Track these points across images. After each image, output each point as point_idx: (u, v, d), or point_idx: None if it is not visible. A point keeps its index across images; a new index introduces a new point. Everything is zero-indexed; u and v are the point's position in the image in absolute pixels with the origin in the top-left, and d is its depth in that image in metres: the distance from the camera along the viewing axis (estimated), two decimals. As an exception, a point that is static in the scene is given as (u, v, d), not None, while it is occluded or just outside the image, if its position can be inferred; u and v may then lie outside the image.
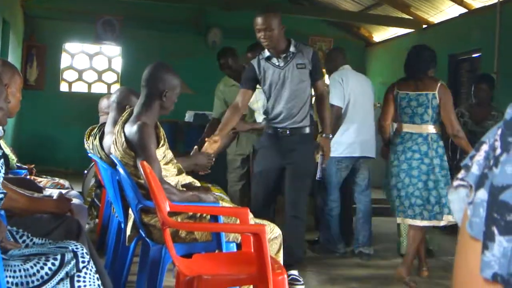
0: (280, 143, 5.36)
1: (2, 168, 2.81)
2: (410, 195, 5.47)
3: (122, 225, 4.45)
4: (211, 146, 4.96)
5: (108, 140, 4.62)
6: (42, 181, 5.64)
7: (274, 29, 5.15)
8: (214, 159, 4.93)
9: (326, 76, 7.37)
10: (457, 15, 11.08)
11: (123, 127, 3.86)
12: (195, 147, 5.09)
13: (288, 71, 5.28)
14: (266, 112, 5.51)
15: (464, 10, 10.86)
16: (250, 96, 5.50)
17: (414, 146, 5.52)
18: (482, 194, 0.85)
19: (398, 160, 5.59)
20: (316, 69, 5.38)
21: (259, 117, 6.40)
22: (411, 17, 12.19)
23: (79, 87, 13.73)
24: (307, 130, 5.37)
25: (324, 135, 5.51)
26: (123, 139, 3.78)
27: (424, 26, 12.26)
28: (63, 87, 13.56)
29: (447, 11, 11.41)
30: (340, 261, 6.31)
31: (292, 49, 5.30)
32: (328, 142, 5.53)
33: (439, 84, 5.59)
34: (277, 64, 5.31)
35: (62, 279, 2.74)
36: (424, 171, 5.44)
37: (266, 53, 5.35)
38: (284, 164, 5.36)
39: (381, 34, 14.25)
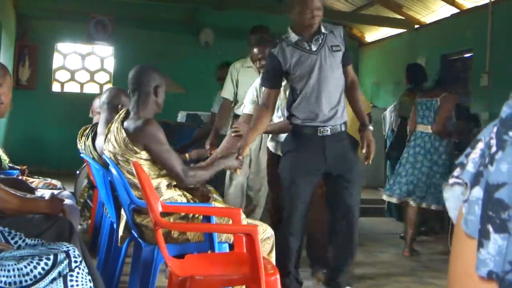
0: (323, 145, 4.56)
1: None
2: (408, 181, 6.76)
3: (115, 226, 4.45)
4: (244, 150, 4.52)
5: (100, 140, 4.61)
6: (34, 181, 5.63)
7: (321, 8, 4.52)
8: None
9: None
10: (449, 15, 11.10)
11: (122, 125, 3.86)
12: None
13: (323, 57, 4.51)
14: (295, 108, 4.62)
15: (456, 10, 10.88)
16: (276, 96, 4.75)
17: (421, 143, 6.77)
18: (478, 192, 0.84)
19: (408, 152, 6.91)
20: (347, 50, 4.70)
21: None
22: (403, 17, 12.21)
23: (71, 87, 13.71)
24: (344, 126, 4.67)
25: (366, 127, 4.73)
26: (125, 135, 3.78)
27: (416, 26, 12.27)
28: (55, 87, 13.53)
29: (439, 11, 11.43)
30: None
31: (323, 29, 4.56)
32: (371, 135, 4.76)
33: (444, 94, 6.70)
34: (308, 48, 4.53)
35: (54, 279, 2.74)
36: (426, 164, 6.70)
37: (293, 36, 4.59)
38: (329, 169, 4.64)
39: (373, 34, 14.26)
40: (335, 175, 4.66)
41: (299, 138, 4.64)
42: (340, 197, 4.66)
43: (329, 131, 4.54)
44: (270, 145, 5.53)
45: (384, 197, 7.14)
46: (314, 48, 4.51)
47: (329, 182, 4.77)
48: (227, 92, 6.39)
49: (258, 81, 5.33)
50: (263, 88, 4.81)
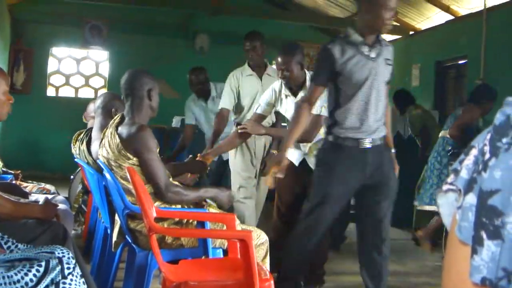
0: (364, 161, 4.27)
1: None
2: (427, 185, 7.07)
3: (109, 231, 4.44)
4: (278, 169, 4.36)
5: (95, 145, 4.60)
6: (28, 186, 5.62)
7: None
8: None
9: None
10: (444, 22, 11.13)
11: (116, 130, 3.86)
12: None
13: (378, 66, 4.25)
14: (340, 115, 4.27)
15: (450, 17, 10.91)
16: (320, 95, 4.39)
17: (436, 147, 7.10)
18: (471, 199, 0.85)
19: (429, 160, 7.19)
20: (393, 71, 4.50)
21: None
22: (398, 24, 12.22)
23: (66, 92, 13.70)
24: (384, 139, 4.39)
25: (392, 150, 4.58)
26: (118, 140, 3.77)
27: (411, 32, 12.30)
28: (50, 92, 13.52)
29: (433, 18, 11.46)
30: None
31: (381, 39, 4.34)
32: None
33: (469, 104, 6.85)
34: (366, 53, 4.21)
35: (47, 286, 2.72)
36: (436, 167, 6.98)
37: (356, 37, 4.24)
38: (370, 182, 4.34)
39: (369, 40, 14.28)
40: (368, 187, 4.35)
41: (339, 151, 4.27)
42: (371, 211, 4.42)
43: (370, 144, 4.25)
44: (290, 153, 5.05)
45: (422, 208, 7.31)
46: (373, 55, 4.22)
47: (360, 195, 4.48)
48: (226, 102, 6.19)
49: (277, 84, 5.30)
50: (311, 84, 4.37)
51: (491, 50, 9.59)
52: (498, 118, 0.86)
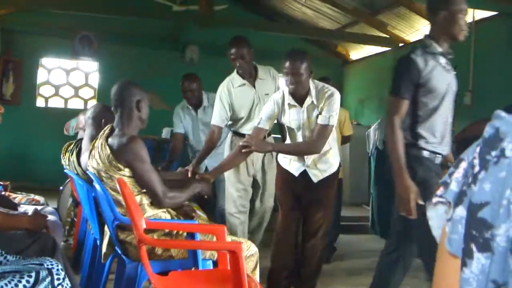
0: (437, 174, 4.06)
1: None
2: None
3: (98, 242, 4.42)
4: None
5: (85, 156, 4.60)
6: (17, 197, 5.60)
7: None
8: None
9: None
10: (433, 34, 11.16)
11: (106, 141, 3.85)
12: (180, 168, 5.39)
13: (453, 77, 4.22)
14: (423, 127, 4.07)
15: (439, 29, 10.95)
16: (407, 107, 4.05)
17: None
18: (461, 211, 0.85)
19: None
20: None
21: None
22: (387, 36, 12.26)
23: (56, 103, 13.64)
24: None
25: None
26: (109, 151, 3.77)
27: (401, 44, 12.33)
28: (40, 103, 13.47)
29: (422, 30, 11.49)
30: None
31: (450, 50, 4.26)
32: None
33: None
34: (443, 64, 4.14)
35: (37, 297, 2.72)
36: None
37: (435, 46, 4.10)
38: None
39: (358, 52, 14.32)
40: None
41: (425, 165, 4.05)
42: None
43: (440, 160, 4.11)
44: (292, 164, 5.26)
45: None
46: (448, 66, 4.14)
47: None
48: (217, 119, 5.82)
49: (278, 95, 5.14)
50: (394, 97, 4.08)
51: (479, 62, 9.63)
52: (487, 131, 0.86)
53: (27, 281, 2.70)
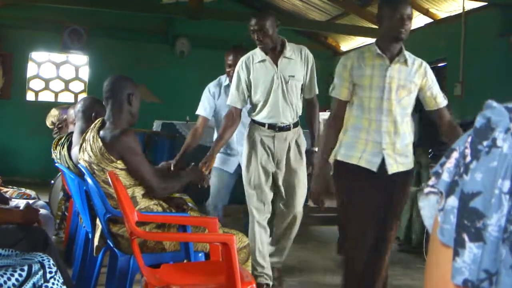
0: None
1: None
2: None
3: (90, 235, 4.42)
4: None
5: (76, 150, 4.59)
6: (9, 191, 5.59)
7: None
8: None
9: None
10: (423, 25, 11.19)
11: (98, 134, 3.85)
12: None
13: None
14: None
15: (430, 20, 10.98)
16: None
17: None
18: (453, 201, 0.86)
19: None
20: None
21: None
22: (377, 27, 12.27)
23: (46, 96, 13.61)
24: None
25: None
26: (101, 144, 3.77)
27: (391, 36, 12.35)
28: (30, 96, 13.43)
29: (413, 21, 11.51)
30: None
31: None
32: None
33: None
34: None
35: (29, 290, 2.72)
36: None
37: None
38: None
39: (348, 43, 14.33)
40: None
41: None
42: None
43: None
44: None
45: None
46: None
47: None
48: (234, 98, 5.18)
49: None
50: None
51: (470, 52, 9.67)
52: (479, 121, 0.86)
53: (20, 275, 2.71)
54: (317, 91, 5.32)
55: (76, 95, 13.73)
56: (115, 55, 12.94)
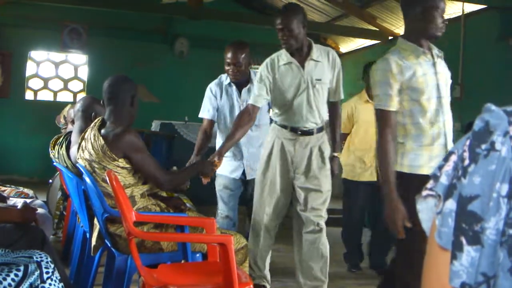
0: None
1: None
2: None
3: (87, 235, 4.42)
4: None
5: (75, 149, 4.59)
6: (6, 190, 5.58)
7: None
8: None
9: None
10: (423, 27, 11.19)
11: (99, 132, 3.85)
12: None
13: None
14: None
15: (429, 23, 10.98)
16: None
17: None
18: (451, 204, 0.86)
19: None
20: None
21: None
22: (377, 29, 12.28)
23: (45, 96, 13.60)
24: None
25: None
26: (103, 142, 3.77)
27: (390, 37, 12.35)
28: (29, 95, 13.42)
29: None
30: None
31: None
32: None
33: None
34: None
35: (26, 290, 2.71)
36: None
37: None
38: None
39: (348, 45, 14.33)
40: None
41: None
42: None
43: None
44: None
45: None
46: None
47: None
48: (257, 97, 4.96)
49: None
50: None
51: (469, 55, 9.67)
52: (477, 124, 0.87)
53: (16, 274, 2.70)
54: (342, 96, 5.20)
55: (75, 94, 13.71)
56: (115, 54, 12.94)
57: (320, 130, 4.99)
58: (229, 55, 5.39)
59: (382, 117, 3.70)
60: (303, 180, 4.95)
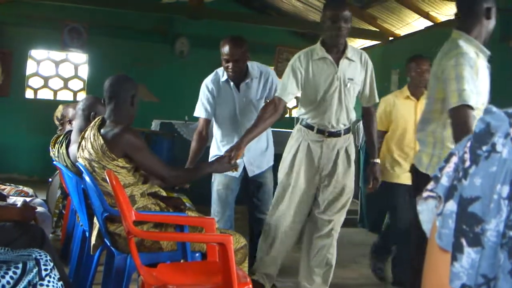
0: None
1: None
2: None
3: (87, 234, 4.42)
4: None
5: (74, 148, 4.59)
6: (6, 188, 5.58)
7: None
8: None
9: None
10: (423, 28, 11.19)
11: (98, 131, 3.85)
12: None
13: None
14: None
15: (430, 23, 10.98)
16: None
17: None
18: (451, 206, 0.86)
19: None
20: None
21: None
22: (377, 30, 12.28)
23: (45, 94, 13.59)
24: None
25: None
26: (102, 141, 3.77)
27: (391, 38, 12.35)
28: (29, 94, 13.41)
29: (413, 24, 11.52)
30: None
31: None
32: None
33: None
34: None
35: (24, 288, 2.71)
36: None
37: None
38: None
39: (348, 45, 14.33)
40: None
41: None
42: None
43: None
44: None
45: None
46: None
47: None
48: (284, 91, 4.73)
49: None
50: None
51: (469, 56, 9.67)
52: (478, 125, 0.87)
53: (14, 272, 2.70)
54: (377, 100, 5.05)
55: (75, 93, 13.70)
56: (115, 53, 12.93)
57: (347, 131, 4.89)
58: (226, 51, 5.07)
59: (466, 114, 3.38)
60: (327, 183, 4.86)
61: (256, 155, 5.27)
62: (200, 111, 5.35)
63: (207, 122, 5.34)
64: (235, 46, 5.05)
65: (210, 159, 5.18)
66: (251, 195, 5.41)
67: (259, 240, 5.02)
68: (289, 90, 4.70)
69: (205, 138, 5.32)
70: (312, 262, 4.93)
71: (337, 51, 4.75)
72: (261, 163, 5.35)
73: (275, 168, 5.33)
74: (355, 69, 4.82)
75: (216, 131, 5.44)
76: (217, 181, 5.33)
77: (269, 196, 5.38)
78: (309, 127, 4.82)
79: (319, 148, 4.80)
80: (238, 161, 4.77)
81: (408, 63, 6.03)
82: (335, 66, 4.72)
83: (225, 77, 5.24)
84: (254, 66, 5.31)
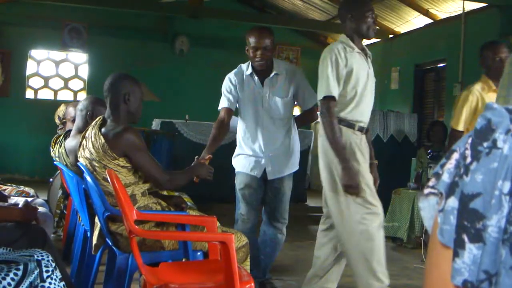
0: None
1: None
2: None
3: (88, 234, 4.42)
4: None
5: (71, 141, 4.61)
6: (7, 189, 5.58)
7: None
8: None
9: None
10: (423, 25, 11.20)
11: (99, 131, 3.85)
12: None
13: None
14: None
15: (429, 21, 10.98)
16: None
17: None
18: (453, 202, 0.86)
19: None
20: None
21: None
22: (377, 27, 12.26)
23: (45, 94, 13.60)
24: None
25: None
26: (103, 140, 3.77)
27: (391, 36, 12.36)
28: (29, 94, 13.42)
29: (413, 22, 11.52)
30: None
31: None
32: None
33: None
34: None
35: (26, 289, 2.71)
36: None
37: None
38: None
39: (348, 43, 14.33)
40: None
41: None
42: None
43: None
44: None
45: None
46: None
47: None
48: (331, 88, 4.35)
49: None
50: None
51: (469, 53, 9.67)
52: (479, 122, 0.87)
53: (15, 273, 2.70)
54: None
55: (75, 93, 13.72)
56: (115, 53, 12.95)
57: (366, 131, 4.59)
58: (255, 39, 4.96)
59: None
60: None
61: (278, 160, 5.07)
62: (222, 102, 5.15)
63: (229, 111, 5.10)
64: (264, 33, 5.02)
65: (233, 158, 5.19)
66: (267, 198, 5.19)
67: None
68: (335, 87, 4.39)
69: (226, 126, 5.07)
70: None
71: (361, 45, 4.63)
72: (281, 168, 5.10)
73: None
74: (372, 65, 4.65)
75: (240, 127, 5.24)
76: (239, 180, 5.16)
77: (284, 203, 5.16)
78: (349, 125, 4.45)
79: (366, 147, 4.51)
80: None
81: (484, 51, 5.65)
82: (367, 59, 4.61)
83: (249, 71, 5.09)
84: (279, 63, 5.24)
